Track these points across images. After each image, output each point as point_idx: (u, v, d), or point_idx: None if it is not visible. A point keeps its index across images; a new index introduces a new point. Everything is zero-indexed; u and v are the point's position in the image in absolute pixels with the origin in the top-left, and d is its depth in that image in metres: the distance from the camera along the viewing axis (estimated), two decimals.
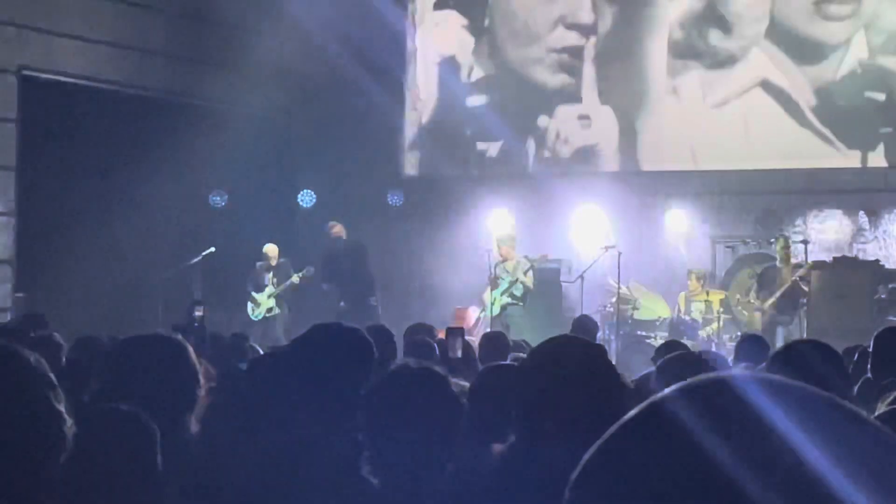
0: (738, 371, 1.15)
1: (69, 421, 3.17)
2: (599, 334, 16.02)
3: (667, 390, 1.14)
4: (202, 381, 4.03)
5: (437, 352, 9.43)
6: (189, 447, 3.86)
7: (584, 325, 12.40)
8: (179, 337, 4.22)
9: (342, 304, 18.52)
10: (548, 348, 3.59)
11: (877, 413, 4.87)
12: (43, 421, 3.07)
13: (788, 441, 1.06)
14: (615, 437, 1.13)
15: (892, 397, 4.97)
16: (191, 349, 4.05)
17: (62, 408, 3.19)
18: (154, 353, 3.94)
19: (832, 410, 1.11)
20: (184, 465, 3.83)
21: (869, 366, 7.43)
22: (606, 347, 17.55)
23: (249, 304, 19.39)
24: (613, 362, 11.07)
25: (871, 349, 7.53)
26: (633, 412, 1.14)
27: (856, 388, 7.28)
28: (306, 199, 21.57)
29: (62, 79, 18.75)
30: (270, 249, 19.53)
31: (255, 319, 19.17)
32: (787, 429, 1.06)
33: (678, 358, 6.23)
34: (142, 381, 3.83)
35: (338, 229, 18.92)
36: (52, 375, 3.27)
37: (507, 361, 6.92)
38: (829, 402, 1.12)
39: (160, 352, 3.96)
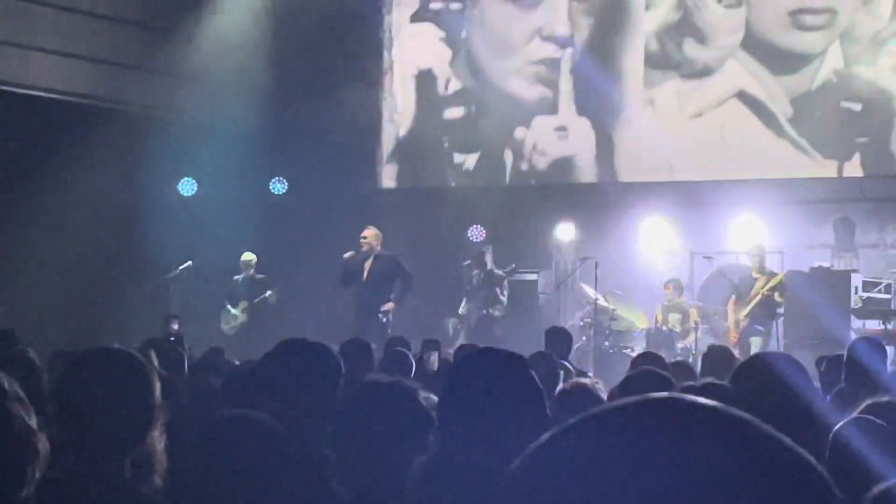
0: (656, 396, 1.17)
1: (43, 438, 3.17)
2: (577, 345, 16.06)
3: (595, 409, 1.17)
4: (158, 395, 3.99)
5: (414, 365, 9.44)
6: (151, 461, 3.85)
7: (557, 336, 12.37)
8: (133, 351, 4.19)
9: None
10: (468, 360, 3.62)
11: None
12: (17, 438, 3.08)
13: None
14: (538, 451, 1.15)
15: (863, 405, 4.99)
16: (145, 362, 4.00)
17: (34, 424, 3.19)
18: (108, 368, 3.90)
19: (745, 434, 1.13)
20: (150, 478, 3.82)
21: (843, 375, 7.46)
22: (585, 358, 17.65)
23: (223, 317, 19.34)
24: (591, 373, 11.04)
25: (844, 359, 7.55)
26: (558, 429, 1.16)
27: (829, 398, 7.31)
28: (277, 186, 21.62)
29: (37, 93, 18.72)
30: (248, 257, 19.46)
31: (230, 333, 19.10)
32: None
33: (647, 373, 6.25)
34: (97, 396, 3.80)
35: (367, 234, 18.40)
36: (22, 393, 3.27)
37: None
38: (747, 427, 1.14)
39: (114, 366, 3.92)
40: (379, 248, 18.20)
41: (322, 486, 3.82)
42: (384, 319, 17.83)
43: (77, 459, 3.65)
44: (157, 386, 3.88)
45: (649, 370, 6.75)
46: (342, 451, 3.71)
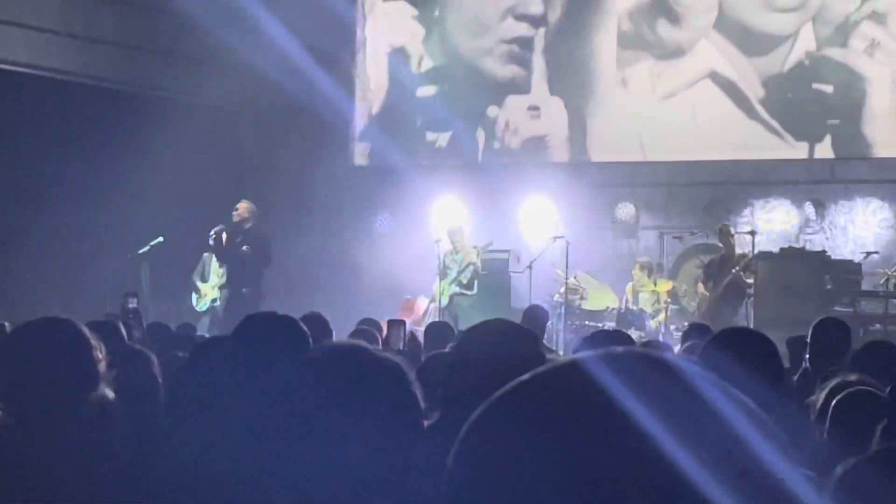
0: (585, 352, 1.17)
1: None
2: (548, 324, 16.06)
3: (519, 379, 1.17)
4: (100, 358, 4.04)
5: (380, 344, 9.44)
6: (91, 425, 3.86)
7: (535, 314, 12.41)
8: (71, 319, 4.22)
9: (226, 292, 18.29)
10: (478, 329, 3.60)
11: (818, 402, 4.91)
12: None
13: (635, 421, 1.08)
14: (477, 421, 1.16)
15: (831, 384, 5.02)
16: (86, 331, 4.05)
17: None
18: (48, 337, 3.94)
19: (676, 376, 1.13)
20: (89, 442, 3.83)
21: (807, 356, 7.48)
22: (554, 337, 17.67)
23: (194, 295, 19.28)
24: (560, 353, 11.07)
25: (808, 340, 7.58)
26: (490, 400, 1.17)
27: (795, 378, 7.33)
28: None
29: (8, 67, 18.62)
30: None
31: (200, 310, 19.05)
32: (634, 406, 1.08)
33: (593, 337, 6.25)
34: (37, 364, 3.82)
35: (240, 207, 18.25)
36: None
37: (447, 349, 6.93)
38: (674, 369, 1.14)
39: (53, 335, 3.96)
40: (251, 223, 18.08)
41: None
42: (245, 293, 17.72)
43: (21, 421, 3.66)
44: (96, 351, 3.94)
45: (605, 332, 6.79)
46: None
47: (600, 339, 5.94)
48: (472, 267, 18.48)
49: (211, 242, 18.46)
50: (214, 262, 19.16)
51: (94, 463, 3.93)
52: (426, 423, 3.82)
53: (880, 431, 4.18)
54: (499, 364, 3.34)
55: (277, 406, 4.02)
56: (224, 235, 17.95)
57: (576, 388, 1.12)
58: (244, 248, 17.78)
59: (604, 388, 1.10)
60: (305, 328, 4.54)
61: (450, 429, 3.34)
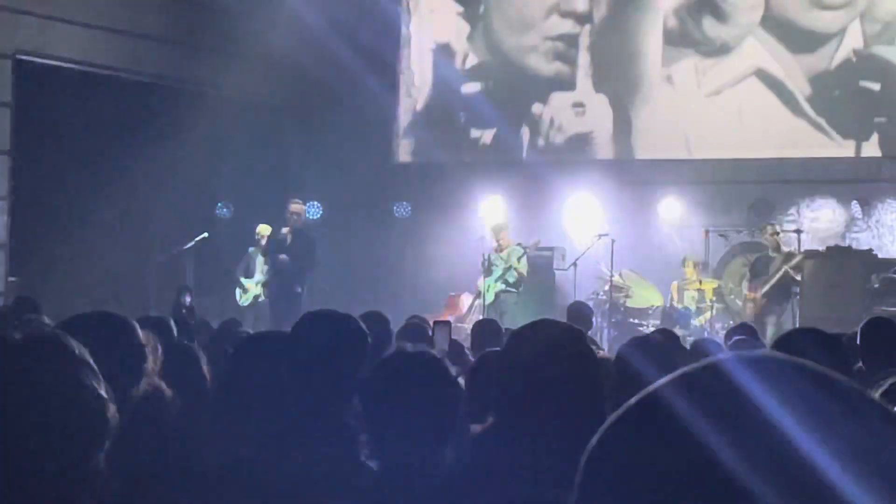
0: (726, 353, 1.15)
1: (113, 407, 3.19)
2: (593, 320, 16.03)
3: (662, 379, 1.15)
4: (150, 357, 4.10)
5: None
6: (132, 419, 3.89)
7: (579, 311, 12.36)
8: (121, 314, 4.28)
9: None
10: (526, 331, 3.57)
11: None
12: (89, 409, 3.08)
13: (780, 425, 1.06)
14: (615, 425, 1.14)
15: (887, 385, 4.97)
16: (136, 326, 4.10)
17: (105, 394, 3.20)
18: (97, 330, 3.97)
19: (826, 386, 1.11)
20: (124, 440, 3.85)
21: (859, 356, 7.42)
22: (599, 335, 17.62)
23: (238, 290, 19.31)
24: (606, 349, 11.00)
25: (858, 340, 7.52)
26: (630, 402, 1.15)
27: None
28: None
29: (57, 63, 18.71)
30: (263, 229, 19.35)
31: (244, 305, 19.07)
32: (779, 411, 1.06)
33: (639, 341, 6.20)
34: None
35: (299, 209, 18.43)
36: (91, 361, 3.29)
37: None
38: (824, 378, 1.12)
39: (103, 329, 4.01)
40: (301, 222, 18.28)
41: (351, 458, 3.82)
42: (298, 290, 17.84)
43: None
44: (144, 347, 4.02)
45: (664, 329, 6.77)
46: (372, 422, 3.70)
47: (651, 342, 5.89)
48: (515, 271, 18.38)
49: (263, 243, 18.64)
50: (260, 259, 19.20)
51: (136, 459, 3.94)
52: (480, 426, 3.81)
53: None
54: (549, 365, 3.32)
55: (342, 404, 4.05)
56: (289, 236, 18.04)
57: (721, 390, 1.10)
58: (281, 256, 17.89)
59: (749, 392, 1.08)
60: (364, 326, 4.55)
61: (506, 431, 3.34)
